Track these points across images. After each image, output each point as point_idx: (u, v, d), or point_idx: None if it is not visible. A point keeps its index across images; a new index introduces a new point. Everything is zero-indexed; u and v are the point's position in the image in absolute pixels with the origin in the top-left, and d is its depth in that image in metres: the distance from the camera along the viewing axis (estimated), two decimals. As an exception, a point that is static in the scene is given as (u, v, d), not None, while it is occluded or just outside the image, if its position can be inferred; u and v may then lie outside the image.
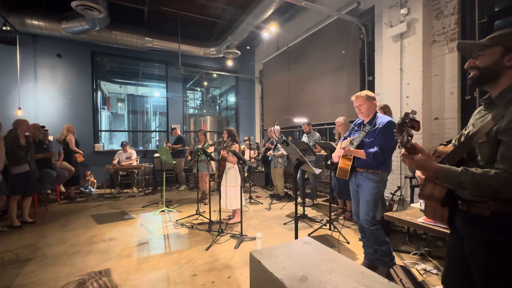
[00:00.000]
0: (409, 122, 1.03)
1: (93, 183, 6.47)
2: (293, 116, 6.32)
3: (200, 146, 5.01)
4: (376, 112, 2.35)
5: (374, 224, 2.28)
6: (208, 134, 8.81)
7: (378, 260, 2.35)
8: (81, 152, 5.92)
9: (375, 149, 2.17)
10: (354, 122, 2.55)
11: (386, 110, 3.07)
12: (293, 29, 6.81)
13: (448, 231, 1.35)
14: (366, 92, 2.34)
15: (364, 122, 2.37)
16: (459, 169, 1.01)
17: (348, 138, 2.29)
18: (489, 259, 1.04)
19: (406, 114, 1.04)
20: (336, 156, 2.47)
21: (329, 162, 3.77)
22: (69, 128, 5.82)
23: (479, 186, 0.97)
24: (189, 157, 5.74)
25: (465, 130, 1.24)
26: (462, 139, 1.23)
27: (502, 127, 0.97)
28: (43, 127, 4.83)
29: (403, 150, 1.10)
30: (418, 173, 1.38)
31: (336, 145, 3.10)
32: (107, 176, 6.40)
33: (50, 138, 5.44)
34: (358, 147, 2.29)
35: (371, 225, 2.28)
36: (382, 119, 2.26)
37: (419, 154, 1.07)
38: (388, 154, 2.23)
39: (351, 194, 2.49)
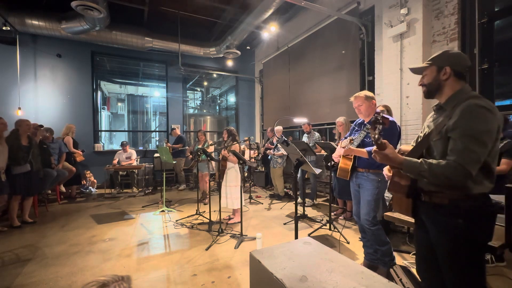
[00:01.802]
0: (380, 119, 1.20)
1: (93, 183, 6.46)
2: (293, 116, 6.32)
3: (200, 146, 5.01)
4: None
5: (375, 224, 2.28)
6: (208, 134, 8.81)
7: (378, 260, 2.35)
8: (81, 152, 5.92)
9: None
10: (354, 122, 2.55)
11: (388, 109, 3.07)
12: (293, 29, 6.81)
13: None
14: (365, 92, 2.34)
15: (365, 122, 2.37)
16: (419, 160, 1.21)
17: (348, 138, 2.28)
18: (451, 241, 1.22)
19: (377, 113, 1.22)
20: (336, 155, 2.47)
21: (329, 164, 3.76)
22: (70, 129, 5.82)
23: (434, 174, 1.16)
24: (190, 156, 5.73)
25: (421, 132, 1.47)
26: (419, 140, 1.44)
27: (450, 126, 1.19)
28: (41, 126, 4.81)
29: (374, 147, 1.28)
30: (385, 171, 1.57)
31: (337, 145, 3.10)
32: (107, 176, 6.39)
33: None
34: (359, 147, 2.29)
35: (372, 225, 2.27)
36: (382, 118, 2.26)
37: (387, 149, 1.25)
38: None
39: (352, 194, 2.49)
